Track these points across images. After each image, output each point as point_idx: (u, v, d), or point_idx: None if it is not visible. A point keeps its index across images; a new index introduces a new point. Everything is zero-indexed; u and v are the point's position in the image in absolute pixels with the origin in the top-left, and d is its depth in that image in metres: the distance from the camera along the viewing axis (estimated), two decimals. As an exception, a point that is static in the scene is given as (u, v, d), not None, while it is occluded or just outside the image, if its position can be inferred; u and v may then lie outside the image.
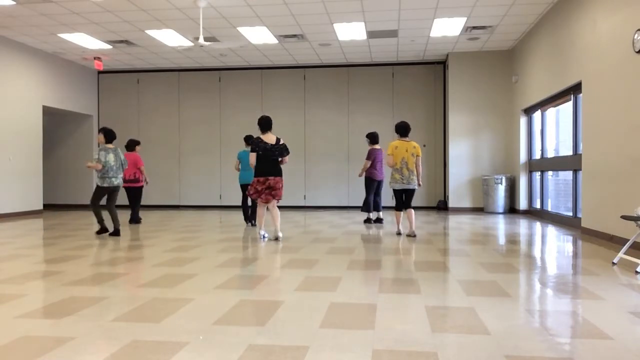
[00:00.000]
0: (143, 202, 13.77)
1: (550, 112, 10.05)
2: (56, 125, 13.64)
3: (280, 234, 6.90)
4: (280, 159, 6.78)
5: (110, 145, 7.32)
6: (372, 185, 8.84)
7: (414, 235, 7.12)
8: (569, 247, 6.29)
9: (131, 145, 9.14)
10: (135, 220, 9.10)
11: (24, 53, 11.11)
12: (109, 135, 7.38)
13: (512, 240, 6.85)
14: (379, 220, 9.09)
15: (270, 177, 6.67)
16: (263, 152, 6.67)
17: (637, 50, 5.81)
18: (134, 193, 9.04)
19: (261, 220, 6.97)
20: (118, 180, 7.30)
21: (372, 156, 8.79)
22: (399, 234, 7.41)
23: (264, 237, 6.92)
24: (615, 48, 6.41)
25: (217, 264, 5.05)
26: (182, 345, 2.68)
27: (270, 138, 6.75)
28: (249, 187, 6.81)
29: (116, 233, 7.29)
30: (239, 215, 10.84)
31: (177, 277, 4.41)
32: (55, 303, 3.54)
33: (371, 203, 8.90)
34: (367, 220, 9.12)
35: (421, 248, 6.09)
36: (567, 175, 8.83)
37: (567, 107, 8.84)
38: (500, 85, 11.74)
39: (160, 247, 6.26)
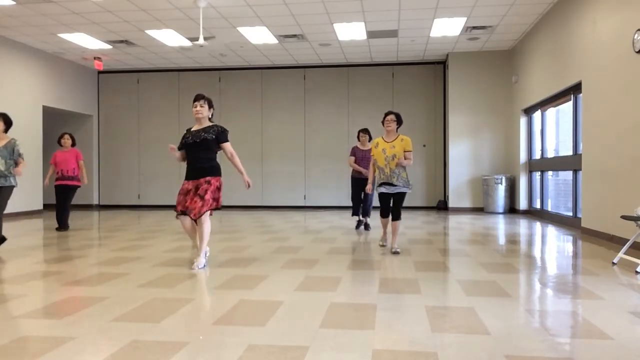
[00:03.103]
0: (146, 202, 13.77)
1: (550, 112, 10.04)
2: (56, 125, 13.63)
3: (202, 262, 4.83)
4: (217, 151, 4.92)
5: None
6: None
7: (396, 252, 5.67)
8: (569, 247, 6.29)
9: (73, 140, 8.29)
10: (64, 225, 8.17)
11: (24, 53, 11.11)
12: (9, 123, 6.02)
13: (512, 240, 6.85)
14: (360, 225, 8.28)
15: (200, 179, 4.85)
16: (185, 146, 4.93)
17: (637, 50, 5.81)
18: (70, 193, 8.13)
19: (196, 238, 5.00)
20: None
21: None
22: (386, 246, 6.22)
23: (204, 265, 4.89)
24: (615, 48, 6.41)
25: (216, 264, 5.05)
26: (182, 345, 2.67)
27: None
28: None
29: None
30: (239, 215, 10.84)
31: (177, 277, 4.41)
32: (55, 303, 3.54)
33: (358, 205, 8.10)
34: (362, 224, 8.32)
35: (421, 248, 6.09)
36: (567, 175, 8.83)
37: (567, 107, 8.84)
38: (500, 85, 11.74)
39: (160, 247, 6.26)
